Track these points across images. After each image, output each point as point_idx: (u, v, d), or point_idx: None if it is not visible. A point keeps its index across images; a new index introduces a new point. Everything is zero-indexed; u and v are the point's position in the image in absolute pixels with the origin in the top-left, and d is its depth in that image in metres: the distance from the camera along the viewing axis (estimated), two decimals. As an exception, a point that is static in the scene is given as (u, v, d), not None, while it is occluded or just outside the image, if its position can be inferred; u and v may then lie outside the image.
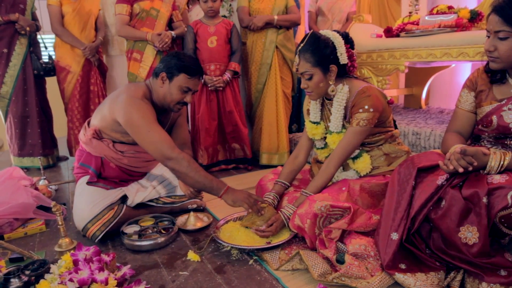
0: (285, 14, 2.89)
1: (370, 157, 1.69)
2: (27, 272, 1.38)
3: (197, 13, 3.24)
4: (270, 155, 3.00)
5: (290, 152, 2.99)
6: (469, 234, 1.20)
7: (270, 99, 2.95)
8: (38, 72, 3.06)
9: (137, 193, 1.96)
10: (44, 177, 2.59)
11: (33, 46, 3.09)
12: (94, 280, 1.28)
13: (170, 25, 2.92)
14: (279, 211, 1.66)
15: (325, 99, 1.76)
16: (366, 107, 1.56)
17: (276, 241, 1.60)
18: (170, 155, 1.65)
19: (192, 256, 1.60)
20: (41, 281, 1.31)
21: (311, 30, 1.65)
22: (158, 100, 1.86)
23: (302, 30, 3.68)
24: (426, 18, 2.57)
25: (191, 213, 1.95)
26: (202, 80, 2.74)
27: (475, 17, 2.41)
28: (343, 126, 1.68)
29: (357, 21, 3.00)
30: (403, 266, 1.32)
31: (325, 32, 1.62)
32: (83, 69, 3.06)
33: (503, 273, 1.21)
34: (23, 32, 2.92)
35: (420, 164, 1.35)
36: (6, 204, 1.85)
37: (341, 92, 1.63)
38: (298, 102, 3.52)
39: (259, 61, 2.93)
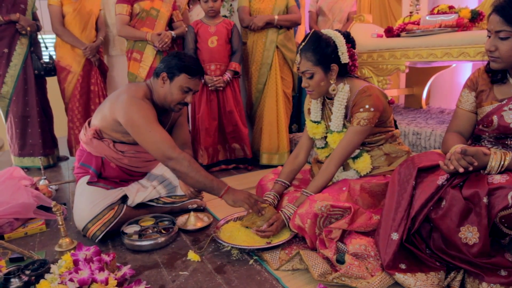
0: (286, 14, 2.89)
1: (371, 157, 1.69)
2: (27, 272, 1.38)
3: (197, 13, 3.24)
4: (270, 155, 3.00)
5: (290, 152, 2.99)
6: (470, 234, 1.20)
7: (271, 99, 2.95)
8: (39, 72, 3.07)
9: (138, 193, 1.96)
10: (45, 177, 2.59)
11: (34, 46, 3.09)
12: (94, 280, 1.28)
13: (170, 25, 2.92)
14: (279, 211, 1.66)
15: (326, 99, 1.76)
16: (367, 106, 1.56)
17: (276, 241, 1.60)
18: (171, 155, 1.65)
19: (192, 256, 1.60)
20: (41, 281, 1.31)
21: (313, 30, 1.65)
22: (159, 100, 1.86)
23: (303, 30, 3.68)
24: (427, 18, 2.57)
25: (192, 213, 1.95)
26: (203, 80, 2.74)
27: (476, 17, 2.41)
28: (344, 126, 1.68)
29: (358, 21, 3.00)
30: (403, 266, 1.32)
31: (327, 31, 1.63)
32: (83, 69, 3.06)
33: (503, 273, 1.21)
34: (23, 32, 2.92)
35: (420, 164, 1.34)
36: (7, 204, 1.85)
37: (342, 92, 1.63)
38: (298, 102, 3.52)
39: (260, 61, 2.93)
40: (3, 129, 3.26)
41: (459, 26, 2.40)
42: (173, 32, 2.79)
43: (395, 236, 1.32)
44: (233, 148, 2.98)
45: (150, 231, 1.81)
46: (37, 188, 2.18)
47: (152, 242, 1.70)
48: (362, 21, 3.00)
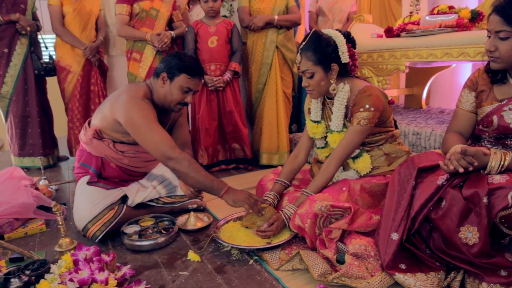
0: (286, 14, 2.89)
1: (371, 157, 1.69)
2: (27, 272, 1.38)
3: (197, 13, 3.24)
4: (270, 155, 3.00)
5: (290, 152, 2.99)
6: (469, 234, 1.20)
7: (271, 99, 2.95)
8: (39, 72, 3.07)
9: (138, 193, 1.96)
10: (45, 177, 2.59)
11: (34, 46, 3.09)
12: (94, 280, 1.28)
13: (170, 25, 2.92)
14: (279, 211, 1.66)
15: (326, 98, 1.77)
16: (367, 106, 1.56)
17: (276, 241, 1.60)
18: (171, 155, 1.66)
19: (192, 256, 1.60)
20: (41, 281, 1.31)
21: (313, 29, 1.65)
22: (159, 100, 1.86)
23: (302, 30, 3.68)
24: (427, 18, 2.57)
25: (191, 213, 1.95)
26: (203, 80, 2.74)
27: (475, 17, 2.41)
28: (344, 125, 1.68)
29: (358, 21, 3.00)
30: (403, 266, 1.32)
31: (327, 31, 1.63)
32: (83, 69, 3.06)
33: (503, 273, 1.21)
34: (23, 32, 2.92)
35: (420, 164, 1.35)
36: (7, 204, 1.85)
37: (342, 91, 1.63)
38: (298, 102, 3.52)
39: (260, 61, 2.93)
40: (3, 129, 3.26)
41: (459, 26, 2.40)
42: (172, 32, 2.79)
43: (395, 236, 1.32)
44: (233, 148, 2.98)
45: (150, 231, 1.81)
46: (37, 188, 2.18)
47: (152, 242, 1.70)
48: (362, 21, 3.00)
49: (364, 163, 1.68)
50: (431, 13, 2.63)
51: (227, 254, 1.64)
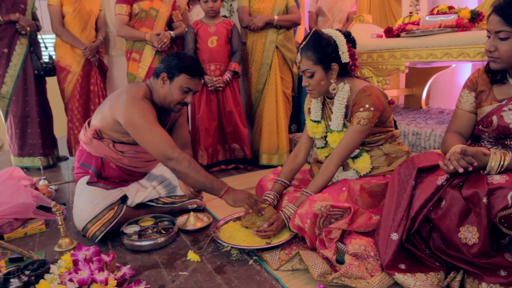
0: (285, 14, 2.89)
1: (370, 157, 1.69)
2: (27, 272, 1.38)
3: (197, 13, 3.24)
4: (270, 155, 3.00)
5: (290, 152, 2.99)
6: (469, 234, 1.20)
7: (270, 99, 2.95)
8: (39, 72, 3.06)
9: (137, 193, 1.96)
10: (44, 177, 2.59)
11: (34, 46, 3.09)
12: (94, 280, 1.28)
13: (170, 25, 2.92)
14: (279, 211, 1.66)
15: (326, 98, 1.77)
16: (367, 106, 1.56)
17: (276, 241, 1.60)
18: (171, 155, 1.66)
19: (192, 256, 1.60)
20: (41, 281, 1.31)
21: (314, 29, 1.66)
22: (159, 100, 1.86)
23: (302, 30, 3.68)
24: (427, 18, 2.57)
25: (191, 213, 1.95)
26: (202, 81, 2.74)
27: (475, 17, 2.41)
28: (344, 125, 1.68)
29: (358, 21, 3.00)
30: (403, 266, 1.32)
31: (328, 30, 1.63)
32: (83, 69, 3.06)
33: (502, 273, 1.21)
34: (23, 32, 2.92)
35: (420, 164, 1.35)
36: (6, 204, 1.85)
37: (342, 91, 1.63)
38: (297, 102, 3.52)
39: (259, 61, 2.93)
40: (2, 129, 3.26)
41: (458, 27, 2.40)
42: (172, 32, 2.79)
43: (394, 236, 1.32)
44: (233, 148, 2.98)
45: (150, 231, 1.81)
46: (36, 188, 2.18)
47: (151, 242, 1.70)
48: (362, 21, 3.00)
49: (363, 163, 1.68)
50: (431, 13, 2.63)
51: (227, 254, 1.64)
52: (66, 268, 1.36)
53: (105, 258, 1.40)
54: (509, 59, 1.28)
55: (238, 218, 1.84)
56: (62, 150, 3.48)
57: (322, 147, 1.82)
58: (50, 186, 2.47)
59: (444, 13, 2.54)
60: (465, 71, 3.41)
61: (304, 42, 1.61)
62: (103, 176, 1.90)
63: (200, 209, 2.14)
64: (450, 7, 2.56)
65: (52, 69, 3.10)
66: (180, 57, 1.80)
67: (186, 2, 3.22)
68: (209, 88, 2.79)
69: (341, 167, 1.75)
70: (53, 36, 3.05)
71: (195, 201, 2.11)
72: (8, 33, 2.90)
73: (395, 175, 1.42)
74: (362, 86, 1.62)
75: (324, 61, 1.58)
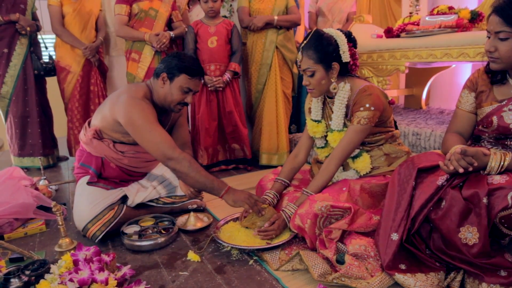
0: (285, 15, 2.89)
1: (370, 157, 1.70)
2: (27, 272, 1.38)
3: (197, 13, 3.24)
4: (270, 156, 3.01)
5: (290, 152, 2.99)
6: (469, 235, 1.20)
7: (270, 99, 2.95)
8: (39, 72, 3.07)
9: (138, 193, 1.96)
10: (44, 177, 2.59)
11: (34, 46, 3.09)
12: (94, 280, 1.28)
13: (170, 25, 2.92)
14: (280, 211, 1.66)
15: (327, 98, 1.77)
16: (367, 105, 1.57)
17: (276, 241, 1.60)
18: (171, 155, 1.66)
19: (192, 256, 1.60)
20: (41, 281, 1.31)
21: (315, 28, 1.66)
22: (159, 101, 1.86)
23: (302, 31, 3.68)
24: (427, 18, 2.57)
25: (191, 213, 1.95)
26: (202, 81, 2.74)
27: (475, 17, 2.41)
28: (345, 125, 1.69)
29: (358, 21, 3.01)
30: (403, 266, 1.32)
31: (329, 30, 1.64)
32: (83, 69, 3.06)
33: (503, 273, 1.21)
34: (23, 32, 2.92)
35: (420, 165, 1.35)
36: (7, 204, 1.85)
37: (343, 90, 1.64)
38: (297, 103, 3.52)
39: (259, 61, 2.93)
40: (2, 129, 3.26)
41: (458, 27, 2.40)
42: (171, 33, 2.79)
43: (395, 237, 1.32)
44: (233, 149, 2.98)
45: (150, 231, 1.81)
46: (37, 188, 2.18)
47: (152, 242, 1.70)
48: (362, 21, 3.00)
49: (363, 163, 1.68)
50: (431, 13, 2.63)
51: (227, 254, 1.64)
52: (66, 268, 1.36)
53: (106, 258, 1.40)
54: (509, 59, 1.28)
55: (238, 218, 1.84)
56: (62, 150, 3.48)
57: (322, 147, 1.82)
58: (50, 186, 2.47)
59: (444, 13, 2.54)
60: (465, 71, 3.41)
61: (305, 41, 1.61)
62: (103, 176, 1.90)
63: (200, 209, 2.14)
64: (450, 8, 2.57)
65: (52, 69, 3.10)
66: (180, 57, 1.80)
67: (186, 2, 3.22)
68: (209, 88, 2.79)
69: (341, 167, 1.75)
70: (53, 36, 3.05)
71: (195, 201, 2.11)
72: (8, 33, 2.90)
73: (395, 175, 1.42)
74: (362, 85, 1.62)
75: (325, 60, 1.59)
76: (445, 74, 3.40)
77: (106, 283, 1.29)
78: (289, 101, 3.08)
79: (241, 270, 1.51)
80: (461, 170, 1.22)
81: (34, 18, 3.09)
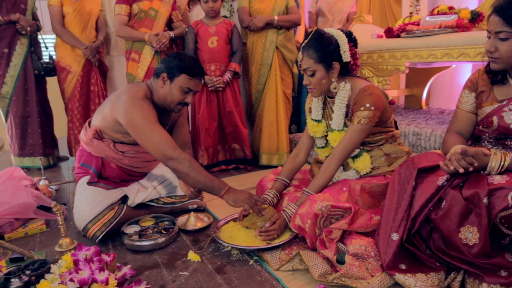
0: (285, 15, 2.89)
1: (371, 157, 1.70)
2: (27, 272, 1.38)
3: (197, 13, 3.24)
4: (270, 156, 3.01)
5: (290, 152, 2.99)
6: (470, 235, 1.20)
7: (270, 99, 2.95)
8: (39, 72, 3.07)
9: (138, 193, 1.96)
10: (45, 177, 2.59)
11: (34, 46, 3.09)
12: (94, 280, 1.28)
13: (170, 25, 2.92)
14: (281, 211, 1.66)
15: (327, 97, 1.77)
16: (368, 105, 1.57)
17: (276, 241, 1.60)
18: (172, 155, 1.66)
19: (192, 256, 1.60)
20: (42, 281, 1.32)
21: (315, 28, 1.66)
22: (159, 101, 1.86)
23: (302, 31, 3.67)
24: (427, 18, 2.57)
25: (192, 213, 1.95)
26: (203, 81, 2.74)
27: (475, 17, 2.41)
28: (345, 124, 1.69)
29: (358, 21, 3.01)
30: (403, 266, 1.32)
31: (329, 29, 1.64)
32: (83, 69, 3.06)
33: (503, 273, 1.21)
34: (23, 32, 2.92)
35: (420, 165, 1.35)
36: (7, 204, 1.85)
37: (343, 90, 1.64)
38: (297, 103, 3.52)
39: (260, 61, 2.93)
40: (3, 129, 3.26)
41: (459, 27, 2.40)
42: (171, 33, 2.79)
43: (395, 237, 1.32)
44: (233, 149, 2.98)
45: (150, 231, 1.81)
46: (37, 188, 2.18)
47: (152, 242, 1.70)
48: (362, 21, 3.00)
49: (363, 163, 1.68)
50: (431, 13, 2.63)
51: (227, 254, 1.64)
52: (66, 268, 1.36)
53: (106, 258, 1.40)
54: (509, 59, 1.28)
55: (237, 219, 1.84)
56: (63, 150, 3.48)
57: (322, 147, 1.82)
58: (51, 186, 2.47)
59: (444, 13, 2.54)
60: (465, 71, 3.41)
61: (306, 41, 1.61)
62: (104, 176, 1.90)
63: (201, 209, 2.14)
64: (450, 8, 2.57)
65: (52, 69, 3.11)
66: (180, 57, 1.80)
67: (186, 2, 3.22)
68: (209, 88, 2.79)
69: (341, 167, 1.75)
70: (54, 36, 3.06)
71: (195, 201, 2.11)
72: (9, 33, 2.90)
73: (395, 176, 1.42)
74: (363, 85, 1.62)
75: (326, 59, 1.59)
76: (446, 74, 3.40)
77: (107, 283, 1.29)
78: (289, 101, 3.08)
79: (241, 270, 1.51)
80: (461, 170, 1.22)
81: (35, 18, 3.09)
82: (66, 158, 3.47)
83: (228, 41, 2.82)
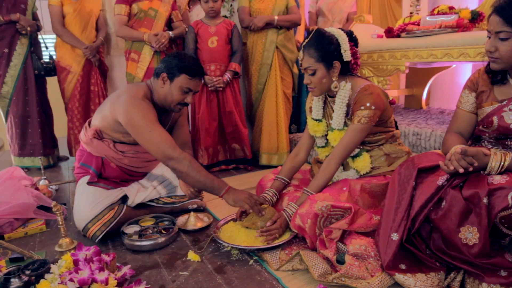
0: (286, 15, 2.89)
1: (371, 157, 1.70)
2: (27, 272, 1.38)
3: (197, 13, 3.24)
4: (270, 155, 3.01)
5: (290, 152, 2.99)
6: (470, 235, 1.20)
7: (270, 99, 2.95)
8: (39, 72, 3.07)
9: (138, 193, 1.96)
10: (45, 177, 2.59)
11: (34, 46, 3.09)
12: (94, 280, 1.28)
13: (170, 25, 2.92)
14: (282, 211, 1.66)
15: (328, 97, 1.77)
16: (368, 104, 1.57)
17: (276, 241, 1.60)
18: (172, 154, 1.66)
19: (192, 256, 1.60)
20: (42, 281, 1.32)
21: (316, 27, 1.66)
22: (159, 100, 1.86)
23: (302, 31, 3.68)
24: (427, 18, 2.57)
25: (192, 213, 1.95)
26: (203, 81, 2.74)
27: (476, 17, 2.41)
28: (345, 124, 1.69)
29: (358, 21, 3.01)
30: (403, 266, 1.32)
31: (330, 29, 1.64)
32: (83, 69, 3.06)
33: (503, 273, 1.21)
34: (24, 32, 2.92)
35: (420, 165, 1.35)
36: (7, 204, 1.85)
37: (344, 89, 1.64)
38: (297, 103, 3.52)
39: (260, 61, 2.93)
40: (3, 129, 3.26)
41: (459, 27, 2.40)
42: (171, 32, 2.79)
43: (395, 237, 1.32)
44: (233, 149, 2.98)
45: (150, 231, 1.81)
46: (37, 188, 2.18)
47: (152, 242, 1.70)
48: (362, 21, 3.00)
49: (363, 162, 1.68)
50: (431, 13, 2.63)
51: (227, 254, 1.64)
52: (66, 268, 1.36)
53: (106, 258, 1.40)
54: (510, 59, 1.28)
55: (239, 219, 1.84)
56: (62, 150, 3.48)
57: (323, 146, 1.82)
58: (51, 186, 2.47)
59: (445, 13, 2.54)
60: (465, 71, 3.41)
61: (306, 40, 1.62)
62: (104, 176, 1.90)
63: (201, 209, 2.14)
64: (451, 8, 2.57)
65: (52, 69, 3.11)
66: (180, 57, 1.80)
67: (186, 2, 3.22)
68: (209, 88, 2.79)
69: (341, 167, 1.75)
70: (54, 36, 3.06)
71: (195, 201, 2.11)
72: (9, 33, 2.90)
73: (395, 175, 1.42)
74: (363, 84, 1.62)
75: (326, 59, 1.59)
76: (446, 74, 3.40)
77: (106, 283, 1.29)
78: (289, 101, 3.08)
79: (241, 270, 1.51)
80: (461, 170, 1.22)
81: (35, 18, 3.10)
82: (66, 158, 3.47)
83: (228, 41, 2.82)
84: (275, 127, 2.97)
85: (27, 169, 3.09)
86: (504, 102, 1.37)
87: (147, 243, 1.69)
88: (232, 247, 1.64)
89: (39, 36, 3.15)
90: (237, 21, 3.01)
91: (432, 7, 3.01)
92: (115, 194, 1.87)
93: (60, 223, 1.73)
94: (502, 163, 1.23)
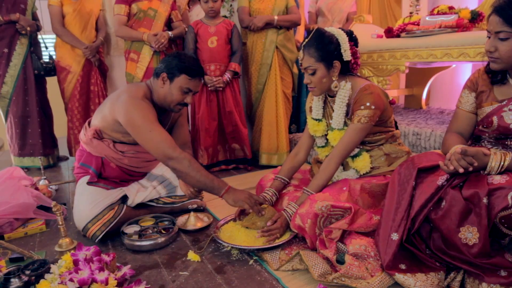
0: (285, 15, 2.89)
1: (371, 156, 1.70)
2: (27, 272, 1.38)
3: (197, 13, 3.24)
4: (270, 155, 3.01)
5: (290, 152, 2.99)
6: (469, 235, 1.20)
7: (270, 99, 2.95)
8: (39, 72, 3.07)
9: (138, 193, 1.96)
10: (45, 177, 2.59)
11: (34, 46, 3.09)
12: (94, 280, 1.28)
13: (170, 25, 2.92)
14: (282, 211, 1.66)
15: (328, 96, 1.77)
16: (368, 104, 1.57)
17: (276, 241, 1.60)
18: (172, 154, 1.66)
19: (192, 256, 1.60)
20: (41, 281, 1.31)
21: (316, 27, 1.66)
22: (159, 100, 1.86)
23: (302, 30, 3.68)
24: (427, 18, 2.57)
25: (192, 213, 1.95)
26: (202, 81, 2.74)
27: (475, 17, 2.41)
28: (345, 124, 1.69)
29: (358, 21, 3.01)
30: (403, 266, 1.32)
31: (330, 28, 1.64)
32: (83, 69, 3.06)
33: (503, 273, 1.21)
34: (23, 32, 2.92)
35: (420, 165, 1.35)
36: (7, 204, 1.85)
37: (344, 89, 1.64)
38: (297, 103, 3.52)
39: (259, 61, 2.93)
40: (3, 129, 3.26)
41: (459, 27, 2.40)
42: (170, 32, 2.79)
43: (395, 237, 1.32)
44: (233, 149, 2.98)
45: (150, 231, 1.81)
46: (37, 188, 2.18)
47: (152, 242, 1.70)
48: (362, 21, 3.00)
49: (363, 162, 1.68)
50: (431, 13, 2.63)
51: (227, 254, 1.64)
52: (66, 268, 1.36)
53: (106, 258, 1.40)
54: (509, 59, 1.28)
55: (239, 218, 1.84)
56: (62, 150, 3.48)
57: (322, 146, 1.82)
58: (51, 186, 2.47)
59: (444, 13, 2.54)
60: (465, 71, 3.41)
61: (307, 40, 1.62)
62: (104, 176, 1.90)
63: (201, 209, 2.14)
64: (450, 8, 2.57)
65: (52, 69, 3.11)
66: (180, 58, 1.80)
67: (186, 2, 3.22)
68: (209, 88, 2.79)
69: (341, 167, 1.75)
70: (53, 36, 3.06)
71: (195, 201, 2.11)
72: (8, 33, 2.90)
73: (395, 175, 1.42)
74: (363, 84, 1.63)
75: (326, 58, 1.59)
76: (445, 74, 3.40)
77: (106, 283, 1.29)
78: (289, 101, 3.08)
79: (241, 270, 1.51)
80: (461, 170, 1.22)
81: (34, 18, 3.09)
82: (66, 158, 3.47)
83: (228, 41, 2.82)
84: (275, 127, 2.97)
85: (27, 169, 3.09)
86: (504, 102, 1.37)
87: (147, 243, 1.69)
88: (232, 247, 1.64)
89: (39, 36, 3.15)
90: (237, 21, 3.01)
91: (432, 7, 3.01)
92: (115, 194, 1.87)
93: (60, 223, 1.73)
94: (502, 163, 1.23)
